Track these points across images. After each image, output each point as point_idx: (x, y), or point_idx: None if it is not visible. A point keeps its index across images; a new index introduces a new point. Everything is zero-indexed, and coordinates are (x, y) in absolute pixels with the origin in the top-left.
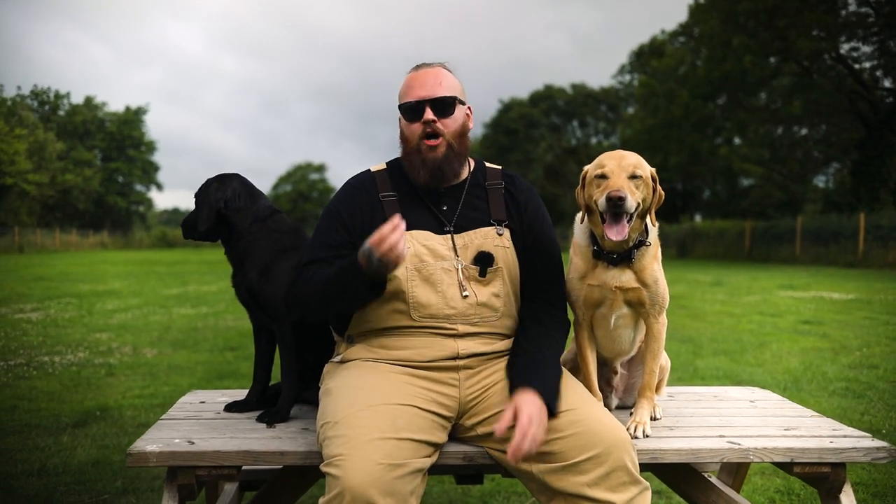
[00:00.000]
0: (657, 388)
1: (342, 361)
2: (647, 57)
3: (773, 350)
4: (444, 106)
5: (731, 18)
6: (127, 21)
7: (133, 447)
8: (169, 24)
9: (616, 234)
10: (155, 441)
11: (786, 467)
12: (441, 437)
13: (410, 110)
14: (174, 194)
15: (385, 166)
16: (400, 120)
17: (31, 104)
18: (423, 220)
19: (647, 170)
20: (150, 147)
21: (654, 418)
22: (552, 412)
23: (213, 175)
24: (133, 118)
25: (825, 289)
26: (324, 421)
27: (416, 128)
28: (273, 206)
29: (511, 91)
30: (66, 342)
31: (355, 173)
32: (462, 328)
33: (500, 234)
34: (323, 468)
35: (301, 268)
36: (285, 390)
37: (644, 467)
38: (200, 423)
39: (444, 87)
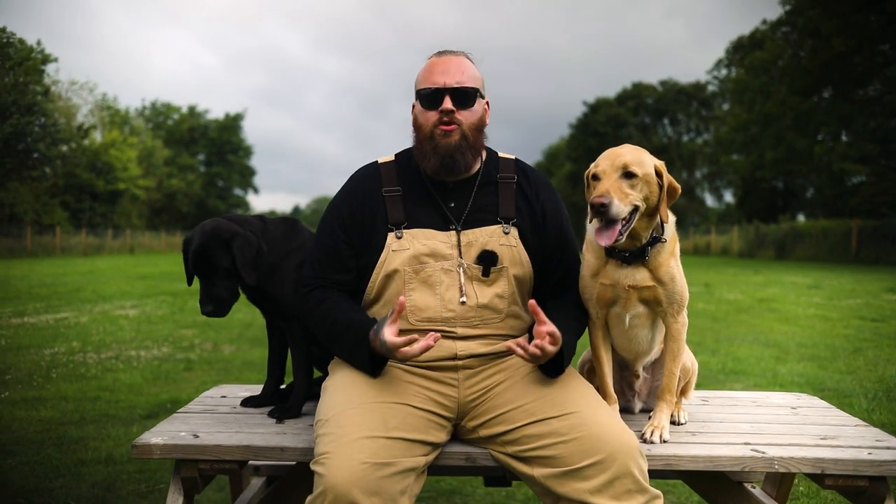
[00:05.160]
0: (684, 392)
1: None
2: (746, 49)
3: (869, 357)
4: (465, 97)
5: (832, 4)
6: (237, 26)
7: (139, 439)
8: (277, 27)
9: (605, 239)
10: (161, 433)
11: (817, 479)
12: (439, 436)
13: (429, 97)
14: (271, 197)
15: (393, 158)
16: (415, 106)
17: (143, 113)
18: (427, 218)
19: (646, 167)
20: (248, 152)
21: (678, 423)
22: (560, 369)
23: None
24: (232, 124)
25: None
26: (318, 418)
27: (432, 116)
28: (261, 216)
29: (624, 83)
30: (154, 337)
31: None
32: (461, 331)
33: (507, 233)
34: (311, 466)
35: (308, 269)
36: (297, 387)
37: (662, 474)
38: (213, 417)
39: (467, 77)
